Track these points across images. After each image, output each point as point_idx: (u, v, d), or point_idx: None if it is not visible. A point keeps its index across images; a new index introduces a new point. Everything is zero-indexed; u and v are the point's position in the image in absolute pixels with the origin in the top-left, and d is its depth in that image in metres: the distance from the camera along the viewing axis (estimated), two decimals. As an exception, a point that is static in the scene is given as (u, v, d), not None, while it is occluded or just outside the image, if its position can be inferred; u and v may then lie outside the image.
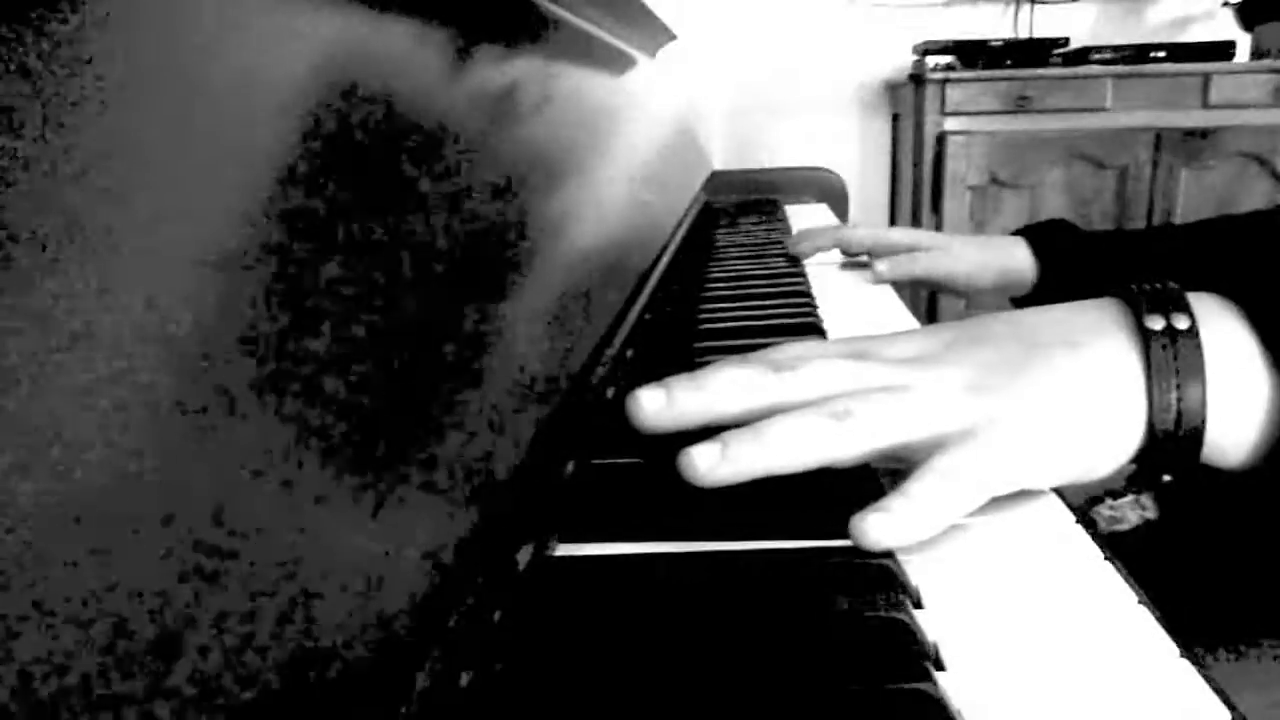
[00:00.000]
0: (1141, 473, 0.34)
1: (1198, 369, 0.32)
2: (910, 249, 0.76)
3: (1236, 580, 0.49)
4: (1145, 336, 0.32)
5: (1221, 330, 0.33)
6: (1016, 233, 0.76)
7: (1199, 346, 0.32)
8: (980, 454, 0.31)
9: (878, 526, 0.29)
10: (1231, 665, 0.45)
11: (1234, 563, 0.50)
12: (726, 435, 0.31)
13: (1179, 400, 0.32)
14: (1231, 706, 0.23)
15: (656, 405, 0.33)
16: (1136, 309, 0.33)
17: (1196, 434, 0.32)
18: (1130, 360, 0.32)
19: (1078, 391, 0.32)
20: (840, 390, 0.33)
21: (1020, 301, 0.75)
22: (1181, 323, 0.32)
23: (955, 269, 0.74)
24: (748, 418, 0.33)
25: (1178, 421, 0.32)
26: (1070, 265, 0.73)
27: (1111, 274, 0.71)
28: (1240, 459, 0.33)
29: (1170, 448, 0.32)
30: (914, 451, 0.32)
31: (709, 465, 0.30)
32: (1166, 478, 0.33)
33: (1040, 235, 0.74)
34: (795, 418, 0.31)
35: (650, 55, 1.10)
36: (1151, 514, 0.57)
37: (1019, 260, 0.73)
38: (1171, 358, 0.32)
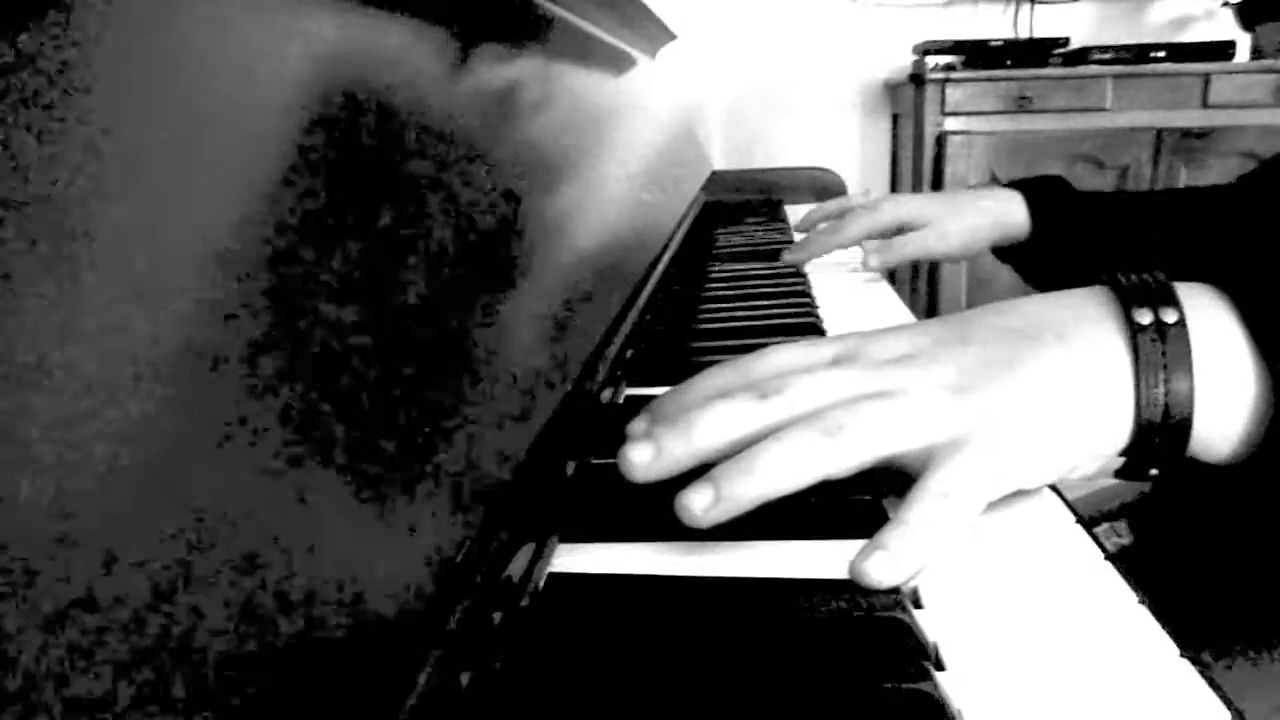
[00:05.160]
0: (1129, 466, 0.34)
1: (1185, 362, 0.32)
2: (902, 226, 0.77)
3: (1214, 601, 0.49)
4: (1133, 330, 0.32)
5: (1210, 322, 0.33)
6: (1012, 184, 0.77)
7: (1187, 340, 0.32)
8: (972, 465, 0.31)
9: (880, 567, 0.28)
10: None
11: (1210, 584, 0.50)
12: (717, 473, 0.31)
13: (1166, 394, 0.32)
14: (1232, 707, 0.23)
15: (645, 459, 0.32)
16: (1125, 302, 0.33)
17: (1184, 427, 0.32)
18: (1118, 354, 0.32)
19: (1065, 388, 0.32)
20: (828, 403, 0.33)
21: (1010, 254, 0.77)
22: (1169, 316, 0.32)
23: (944, 249, 0.76)
24: (738, 448, 0.33)
25: (1165, 415, 0.32)
26: (1065, 223, 0.74)
27: (1105, 235, 0.72)
28: (1227, 452, 0.33)
29: (1157, 441, 0.32)
30: (906, 459, 0.32)
31: (704, 507, 0.30)
32: (1154, 471, 0.33)
33: (1036, 191, 0.75)
34: (784, 441, 0.31)
35: (650, 55, 1.10)
36: (1126, 540, 0.57)
37: (1013, 215, 0.75)
38: (1159, 352, 0.32)
